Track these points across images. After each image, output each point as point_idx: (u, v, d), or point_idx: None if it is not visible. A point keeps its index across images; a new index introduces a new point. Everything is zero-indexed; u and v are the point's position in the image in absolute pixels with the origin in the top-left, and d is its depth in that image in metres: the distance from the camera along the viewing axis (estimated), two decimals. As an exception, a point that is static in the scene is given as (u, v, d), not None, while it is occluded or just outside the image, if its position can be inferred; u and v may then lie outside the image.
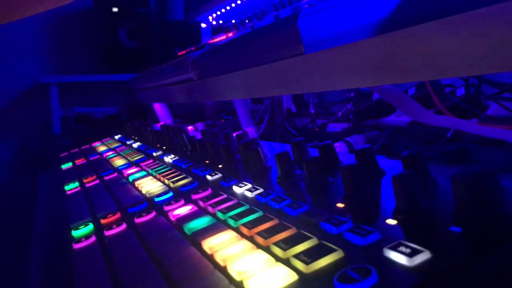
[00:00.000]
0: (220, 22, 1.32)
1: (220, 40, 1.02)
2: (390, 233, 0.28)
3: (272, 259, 0.29)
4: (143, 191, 0.57)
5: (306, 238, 0.30)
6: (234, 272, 0.29)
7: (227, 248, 0.32)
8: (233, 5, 1.14)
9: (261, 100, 1.28)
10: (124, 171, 0.72)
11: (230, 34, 1.03)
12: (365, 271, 0.24)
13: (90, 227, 0.49)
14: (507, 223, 0.24)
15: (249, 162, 0.52)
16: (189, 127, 1.14)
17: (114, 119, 1.80)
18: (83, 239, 0.45)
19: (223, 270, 0.30)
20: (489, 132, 0.49)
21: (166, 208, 0.47)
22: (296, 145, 0.50)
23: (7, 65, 1.84)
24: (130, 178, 0.65)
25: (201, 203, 0.45)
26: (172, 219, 0.43)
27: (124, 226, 0.46)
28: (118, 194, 0.59)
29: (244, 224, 0.35)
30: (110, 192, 0.62)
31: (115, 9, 1.75)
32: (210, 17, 1.30)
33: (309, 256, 0.27)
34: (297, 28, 0.35)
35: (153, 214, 0.47)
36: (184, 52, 1.01)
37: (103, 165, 0.84)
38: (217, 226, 0.38)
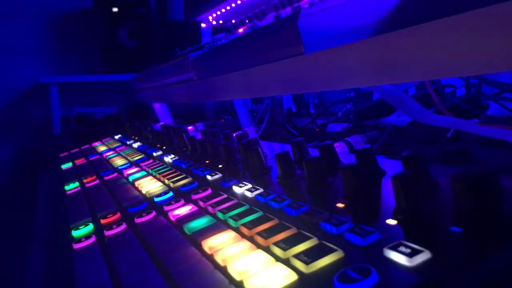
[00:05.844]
0: (220, 22, 1.32)
1: (220, 40, 1.02)
2: (390, 233, 0.28)
3: (272, 259, 0.29)
4: (143, 191, 0.57)
5: (306, 238, 0.30)
6: (234, 272, 0.29)
7: (227, 248, 0.32)
8: (233, 5, 1.14)
9: (261, 100, 1.28)
10: (124, 171, 0.72)
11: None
12: (365, 271, 0.24)
13: (90, 227, 0.49)
14: (507, 223, 0.24)
15: (249, 162, 0.52)
16: (189, 127, 1.13)
17: (114, 119, 1.80)
18: (83, 239, 0.45)
19: (223, 270, 0.30)
20: (489, 132, 0.49)
21: (166, 208, 0.47)
22: (296, 145, 0.49)
23: (7, 65, 1.84)
24: (130, 178, 0.65)
25: (201, 203, 0.45)
26: (172, 219, 0.43)
27: (124, 226, 0.46)
28: (118, 194, 0.59)
29: (244, 224, 0.35)
30: (110, 192, 0.62)
31: (115, 9, 1.75)
32: (210, 17, 1.30)
33: (309, 256, 0.27)
34: (297, 28, 0.35)
35: (153, 214, 0.47)
36: (184, 52, 1.01)
37: (103, 165, 0.84)
38: (217, 226, 0.38)
